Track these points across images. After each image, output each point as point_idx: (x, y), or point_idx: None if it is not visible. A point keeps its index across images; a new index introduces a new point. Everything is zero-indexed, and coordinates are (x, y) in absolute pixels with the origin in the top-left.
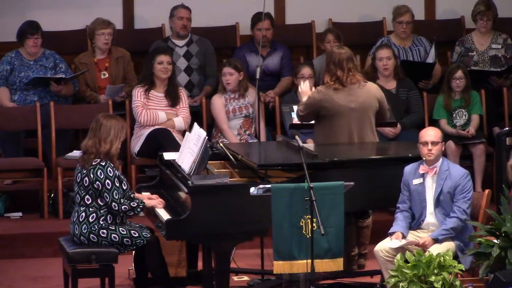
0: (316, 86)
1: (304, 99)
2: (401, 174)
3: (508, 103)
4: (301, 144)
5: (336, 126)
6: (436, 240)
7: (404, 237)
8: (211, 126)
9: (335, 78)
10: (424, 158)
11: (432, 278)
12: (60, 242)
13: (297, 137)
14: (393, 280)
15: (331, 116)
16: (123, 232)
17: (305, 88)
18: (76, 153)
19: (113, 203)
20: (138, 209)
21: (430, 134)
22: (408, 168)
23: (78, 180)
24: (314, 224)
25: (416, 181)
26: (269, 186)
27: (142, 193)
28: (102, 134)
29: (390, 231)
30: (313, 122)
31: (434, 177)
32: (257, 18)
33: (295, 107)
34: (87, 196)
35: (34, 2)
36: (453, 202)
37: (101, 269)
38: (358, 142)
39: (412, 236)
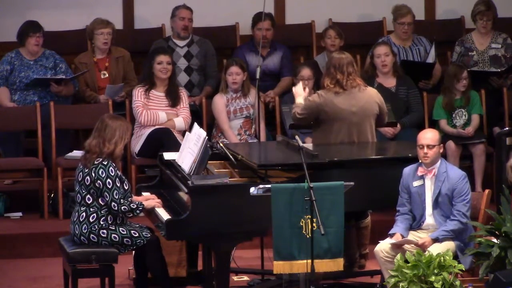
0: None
1: (298, 100)
2: (401, 174)
3: (508, 103)
4: (301, 144)
5: (336, 130)
6: (436, 240)
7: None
8: (211, 126)
9: (335, 81)
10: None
11: (432, 278)
12: (60, 242)
13: (297, 137)
14: (393, 280)
15: (331, 120)
16: (123, 232)
17: (299, 90)
18: (76, 153)
19: (113, 203)
20: (137, 211)
21: (426, 137)
22: (407, 170)
23: (80, 179)
24: (314, 224)
25: (417, 183)
26: (269, 186)
27: (142, 193)
28: (107, 134)
29: (390, 232)
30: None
31: (432, 179)
32: (258, 18)
33: None
34: (88, 196)
35: (34, 2)
36: (451, 205)
37: (101, 269)
38: (358, 142)
39: (412, 236)
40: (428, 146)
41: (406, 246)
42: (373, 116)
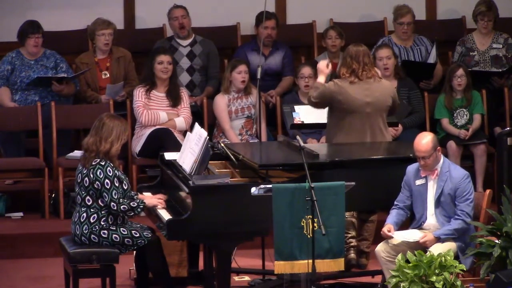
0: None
1: (319, 79)
2: (402, 174)
3: (509, 103)
4: (302, 144)
5: (348, 120)
6: (438, 239)
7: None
8: (212, 126)
9: (351, 71)
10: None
11: (433, 278)
12: (61, 242)
13: (298, 137)
14: (394, 280)
15: (344, 110)
16: (124, 232)
17: (322, 67)
18: (77, 153)
19: (112, 203)
20: (138, 209)
21: (420, 150)
22: (411, 168)
23: (79, 181)
24: (315, 224)
25: (419, 182)
26: (270, 186)
27: (144, 193)
28: (103, 133)
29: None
30: (314, 122)
31: (435, 179)
32: (263, 16)
33: (296, 107)
34: (88, 197)
35: (34, 2)
36: (454, 205)
37: (102, 269)
38: (359, 142)
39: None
40: (423, 158)
41: (408, 239)
42: (386, 108)
